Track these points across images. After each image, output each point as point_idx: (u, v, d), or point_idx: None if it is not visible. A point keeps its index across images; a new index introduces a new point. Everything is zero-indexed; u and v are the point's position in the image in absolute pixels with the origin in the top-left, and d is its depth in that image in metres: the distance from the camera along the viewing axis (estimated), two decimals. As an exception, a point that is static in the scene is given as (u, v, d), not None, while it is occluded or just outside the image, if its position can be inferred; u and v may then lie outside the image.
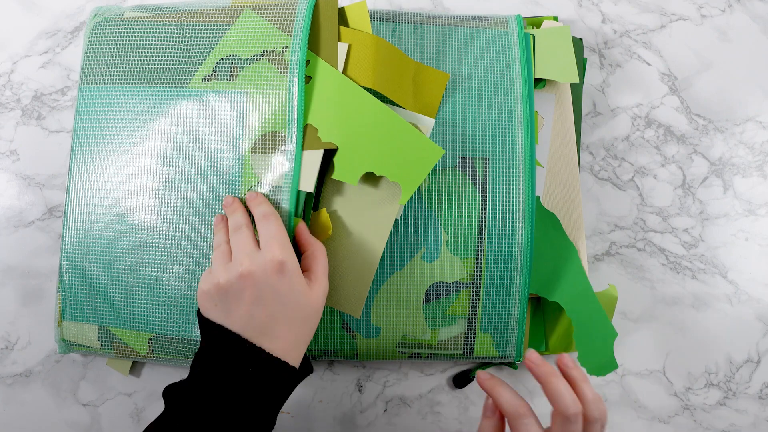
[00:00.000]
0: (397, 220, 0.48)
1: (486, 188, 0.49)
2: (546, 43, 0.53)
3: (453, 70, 0.50)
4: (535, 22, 0.56)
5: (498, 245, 0.48)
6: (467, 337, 0.49)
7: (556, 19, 0.57)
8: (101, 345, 0.49)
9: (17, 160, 0.56)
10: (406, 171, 0.44)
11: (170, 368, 0.54)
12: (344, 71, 0.46)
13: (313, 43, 0.47)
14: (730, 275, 0.57)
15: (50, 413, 0.53)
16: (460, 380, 0.54)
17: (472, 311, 0.49)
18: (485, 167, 0.49)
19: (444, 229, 0.48)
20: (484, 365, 0.54)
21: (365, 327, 0.49)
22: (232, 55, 0.47)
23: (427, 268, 0.48)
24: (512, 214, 0.48)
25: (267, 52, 0.46)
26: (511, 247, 0.48)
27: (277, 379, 0.38)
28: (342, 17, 0.48)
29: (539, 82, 0.53)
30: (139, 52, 0.48)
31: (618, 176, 0.58)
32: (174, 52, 0.48)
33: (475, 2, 0.59)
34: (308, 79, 0.46)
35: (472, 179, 0.49)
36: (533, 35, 0.52)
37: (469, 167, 0.49)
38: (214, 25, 0.48)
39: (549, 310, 0.53)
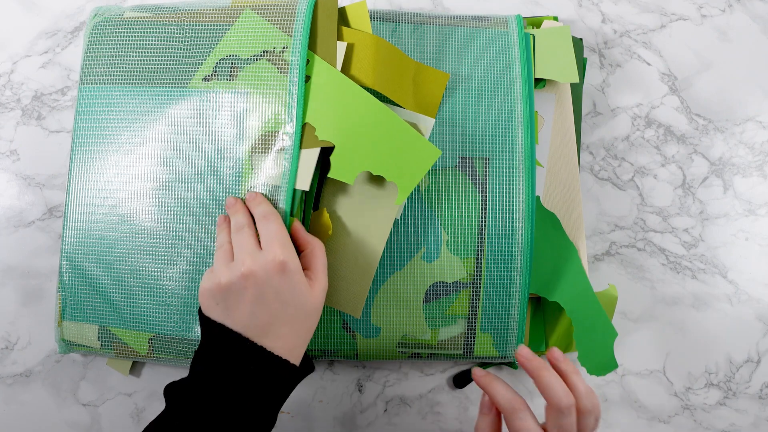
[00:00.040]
0: (397, 220, 0.48)
1: (486, 188, 0.49)
2: (546, 43, 0.53)
3: (453, 70, 0.50)
4: (535, 22, 0.56)
5: (498, 245, 0.48)
6: (467, 337, 0.49)
7: (556, 19, 0.57)
8: (101, 345, 0.49)
9: (17, 160, 0.56)
10: (403, 171, 0.44)
11: (170, 368, 0.54)
12: (344, 71, 0.46)
13: (313, 43, 0.47)
14: (730, 275, 0.57)
15: (50, 413, 0.53)
16: (460, 380, 0.54)
17: (472, 311, 0.49)
18: (485, 167, 0.49)
19: (444, 229, 0.48)
20: (484, 365, 0.54)
21: (365, 327, 0.49)
22: (232, 55, 0.47)
23: (427, 268, 0.48)
24: (512, 214, 0.48)
25: (267, 52, 0.46)
26: (511, 247, 0.48)
27: (278, 377, 0.38)
28: (342, 17, 0.48)
29: (539, 82, 0.53)
30: (139, 52, 0.48)
31: (618, 176, 0.58)
32: (174, 52, 0.48)
33: (475, 2, 0.59)
34: (307, 78, 0.46)
35: (472, 179, 0.49)
36: (533, 35, 0.52)
37: (469, 167, 0.49)
38: (214, 25, 0.48)
39: (549, 310, 0.53)
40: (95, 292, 0.48)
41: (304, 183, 0.45)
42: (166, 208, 0.47)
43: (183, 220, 0.47)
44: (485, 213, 0.48)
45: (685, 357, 0.56)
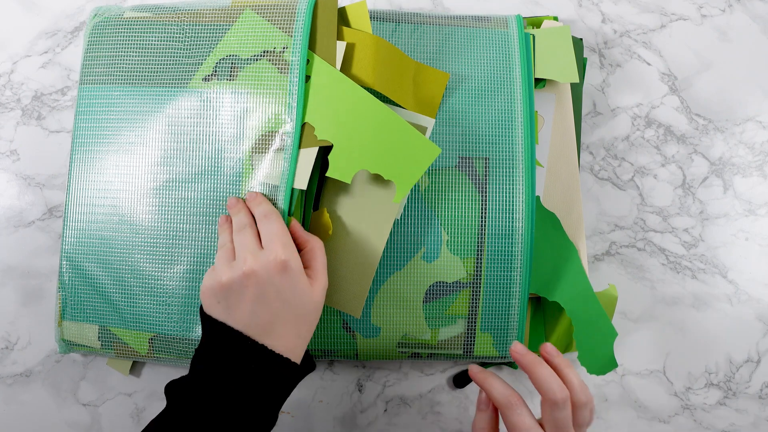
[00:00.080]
0: (397, 220, 0.48)
1: (486, 188, 0.49)
2: (546, 43, 0.53)
3: (453, 70, 0.50)
4: (535, 22, 0.56)
5: (498, 245, 0.48)
6: (467, 337, 0.49)
7: (556, 19, 0.57)
8: (101, 345, 0.49)
9: (17, 160, 0.56)
10: (401, 169, 0.44)
11: (171, 368, 0.54)
12: (344, 71, 0.46)
13: (313, 43, 0.46)
14: (730, 275, 0.57)
15: (50, 413, 0.53)
16: (460, 380, 0.54)
17: (472, 311, 0.49)
18: (485, 167, 0.49)
19: (444, 228, 0.48)
20: (484, 365, 0.54)
21: (365, 327, 0.49)
22: (232, 55, 0.47)
23: (427, 268, 0.48)
24: (512, 214, 0.48)
25: (267, 52, 0.46)
26: (511, 247, 0.48)
27: (279, 376, 0.39)
28: (342, 17, 0.48)
29: (539, 82, 0.53)
30: (139, 52, 0.48)
31: (618, 176, 0.58)
32: (174, 52, 0.48)
33: (475, 2, 0.59)
34: (307, 78, 0.46)
35: (472, 179, 0.49)
36: (533, 35, 0.52)
37: (469, 167, 0.49)
38: (214, 25, 0.48)
39: (549, 310, 0.53)
40: (95, 292, 0.48)
41: (301, 182, 0.45)
42: (166, 208, 0.47)
43: (183, 220, 0.47)
44: (485, 213, 0.48)
45: (685, 357, 0.56)
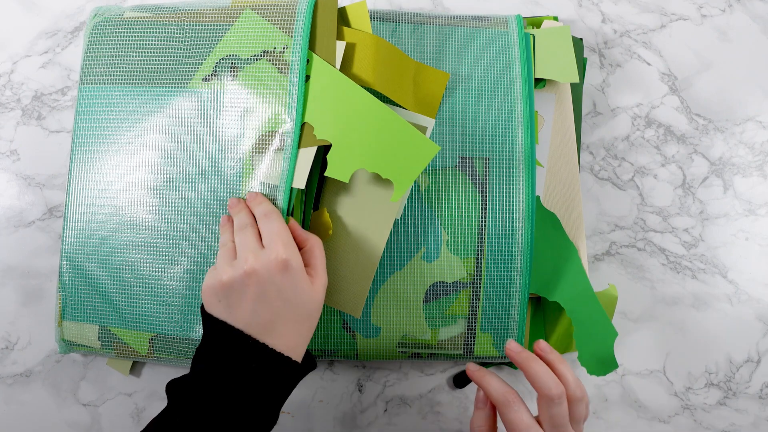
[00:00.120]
0: (397, 219, 0.48)
1: (486, 188, 0.49)
2: (546, 43, 0.53)
3: (453, 70, 0.50)
4: (535, 22, 0.56)
5: (498, 245, 0.48)
6: (467, 337, 0.49)
7: (556, 19, 0.57)
8: (102, 345, 0.49)
9: (17, 160, 0.56)
10: (399, 168, 0.44)
11: (171, 368, 0.54)
12: (344, 71, 0.46)
13: (313, 43, 0.46)
14: (730, 275, 0.57)
15: (50, 413, 0.53)
16: (460, 380, 0.54)
17: (472, 311, 0.49)
18: (485, 167, 0.49)
19: (444, 228, 0.48)
20: (484, 365, 0.54)
21: (365, 327, 0.49)
22: (232, 55, 0.47)
23: (427, 268, 0.48)
24: (512, 214, 0.48)
25: (267, 52, 0.46)
26: (511, 247, 0.48)
27: (280, 374, 0.39)
28: (342, 17, 0.48)
29: (539, 82, 0.53)
30: (139, 52, 0.48)
31: (618, 176, 0.58)
32: (174, 52, 0.48)
33: (475, 2, 0.59)
34: (306, 78, 0.46)
35: (472, 179, 0.49)
36: (533, 35, 0.52)
37: (469, 167, 0.49)
38: (214, 25, 0.48)
39: (549, 310, 0.53)
40: (95, 292, 0.48)
41: (300, 181, 0.45)
42: (166, 208, 0.47)
43: (183, 220, 0.47)
44: (485, 213, 0.48)
45: (685, 357, 0.56)
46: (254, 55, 0.46)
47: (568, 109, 0.54)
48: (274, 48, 0.46)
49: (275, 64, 0.46)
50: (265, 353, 0.38)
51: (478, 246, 0.48)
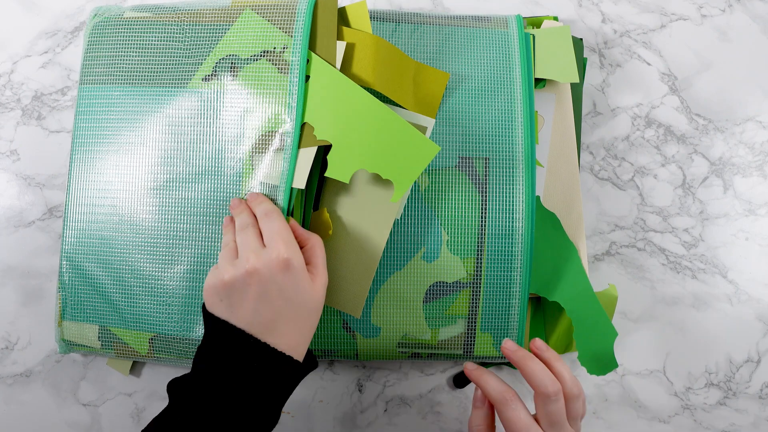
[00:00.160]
0: (397, 219, 0.48)
1: (486, 188, 0.49)
2: (546, 43, 0.53)
3: (453, 70, 0.50)
4: (535, 22, 0.56)
5: (498, 245, 0.48)
6: (467, 337, 0.49)
7: (556, 19, 0.57)
8: (102, 345, 0.49)
9: (17, 160, 0.56)
10: (400, 168, 0.44)
11: (171, 368, 0.54)
12: (344, 71, 0.46)
13: (313, 43, 0.47)
14: (730, 275, 0.57)
15: (50, 413, 0.53)
16: (460, 380, 0.54)
17: (472, 311, 0.49)
18: (485, 167, 0.49)
19: (444, 228, 0.48)
20: (484, 365, 0.54)
21: (365, 327, 0.49)
22: (232, 55, 0.47)
23: (427, 268, 0.48)
24: (512, 214, 0.48)
25: (267, 52, 0.46)
26: (511, 247, 0.48)
27: (282, 374, 0.39)
28: (342, 17, 0.48)
29: (539, 82, 0.53)
30: (139, 52, 0.48)
31: (618, 176, 0.58)
32: (174, 52, 0.48)
33: (475, 2, 0.59)
34: (306, 78, 0.46)
35: (472, 179, 0.49)
36: (533, 35, 0.52)
37: (469, 167, 0.49)
38: (214, 25, 0.48)
39: (549, 310, 0.53)
40: (95, 292, 0.48)
41: (300, 181, 0.45)
42: (166, 208, 0.47)
43: (183, 220, 0.47)
44: (485, 213, 0.48)
45: (685, 357, 0.56)
46: (254, 55, 0.46)
47: (568, 109, 0.54)
48: (274, 48, 0.46)
49: (275, 64, 0.46)
50: (266, 353, 0.38)
51: (478, 246, 0.48)
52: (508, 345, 0.41)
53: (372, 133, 0.44)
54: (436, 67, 0.50)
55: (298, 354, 0.40)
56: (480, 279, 0.48)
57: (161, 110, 0.47)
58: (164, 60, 0.48)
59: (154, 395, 0.54)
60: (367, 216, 0.47)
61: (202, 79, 0.47)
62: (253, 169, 0.46)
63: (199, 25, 0.48)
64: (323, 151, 0.47)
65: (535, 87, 0.53)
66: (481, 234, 0.48)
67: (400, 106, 0.47)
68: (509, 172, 0.49)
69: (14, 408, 0.54)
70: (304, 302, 0.40)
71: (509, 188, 0.49)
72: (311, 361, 0.42)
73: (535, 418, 0.39)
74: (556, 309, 0.52)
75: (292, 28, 0.46)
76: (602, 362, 0.49)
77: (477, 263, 0.48)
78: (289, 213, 0.45)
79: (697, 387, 0.55)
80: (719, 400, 0.55)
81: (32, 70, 0.57)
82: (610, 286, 0.52)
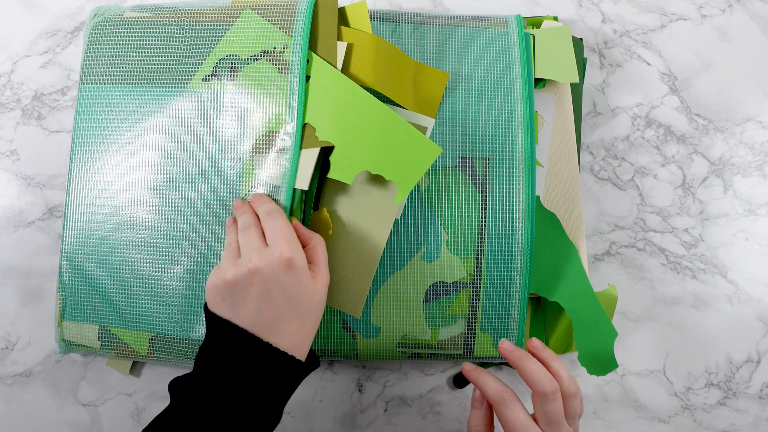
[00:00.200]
0: (397, 220, 0.48)
1: (486, 188, 0.49)
2: (546, 43, 0.53)
3: (453, 70, 0.50)
4: (535, 22, 0.56)
5: (498, 245, 0.48)
6: (467, 337, 0.49)
7: (556, 19, 0.57)
8: (101, 345, 0.49)
9: (17, 160, 0.56)
10: (402, 169, 0.44)
11: (171, 368, 0.54)
12: (344, 71, 0.46)
13: (313, 43, 0.47)
14: (730, 275, 0.57)
15: (50, 413, 0.53)
16: (460, 380, 0.54)
17: (472, 311, 0.49)
18: (485, 167, 0.49)
19: (444, 229, 0.48)
20: (484, 365, 0.54)
21: (365, 327, 0.49)
22: (232, 55, 0.47)
23: (427, 268, 0.48)
24: (512, 214, 0.48)
25: (267, 51, 0.46)
26: (511, 247, 0.48)
27: (284, 373, 0.39)
28: (342, 17, 0.48)
29: (539, 82, 0.53)
30: (139, 52, 0.48)
31: (618, 176, 0.58)
32: (174, 52, 0.48)
33: (475, 2, 0.59)
34: (307, 78, 0.46)
35: (472, 179, 0.49)
36: (533, 35, 0.52)
37: (469, 167, 0.49)
38: (214, 25, 0.48)
39: (549, 310, 0.53)
40: (95, 292, 0.48)
41: (303, 182, 0.45)
42: (166, 209, 0.47)
43: (183, 220, 0.47)
44: (485, 213, 0.48)
45: (685, 357, 0.56)
46: (254, 55, 0.46)
47: (568, 109, 0.54)
48: (274, 48, 0.46)
49: (275, 64, 0.46)
50: (269, 352, 0.38)
51: (478, 246, 0.48)
52: (505, 345, 0.41)
53: (374, 135, 0.44)
54: (436, 67, 0.50)
55: (301, 353, 0.40)
56: (480, 279, 0.48)
57: (161, 110, 0.47)
58: (164, 60, 0.48)
59: (154, 395, 0.54)
60: (367, 216, 0.47)
61: (202, 79, 0.47)
62: (253, 169, 0.46)
63: (199, 25, 0.48)
64: (324, 151, 0.47)
65: (535, 87, 0.53)
66: (481, 234, 0.48)
67: (401, 106, 0.47)
68: (509, 172, 0.49)
69: (14, 408, 0.54)
70: (306, 302, 0.40)
71: (509, 188, 0.49)
72: (313, 361, 0.42)
73: (534, 417, 0.39)
74: (556, 309, 0.52)
75: (292, 28, 0.46)
76: (602, 362, 0.49)
77: (477, 263, 0.48)
78: (291, 213, 0.45)
79: (697, 387, 0.55)
80: (719, 400, 0.55)
81: (32, 70, 0.57)
82: (610, 286, 0.52)
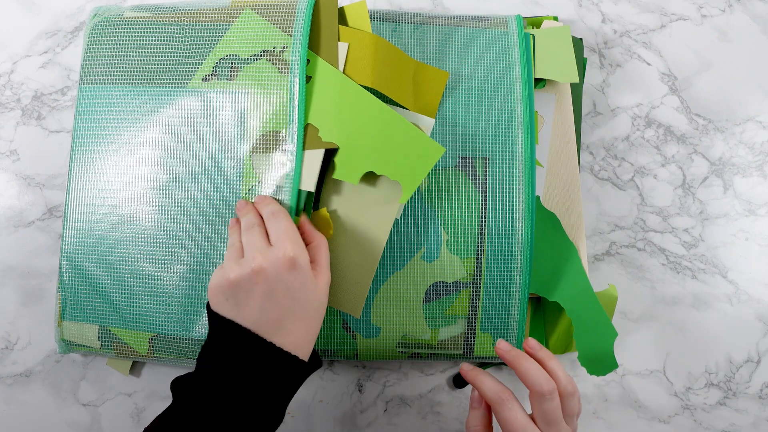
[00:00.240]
0: (397, 219, 0.48)
1: (486, 188, 0.49)
2: (546, 43, 0.53)
3: (453, 69, 0.50)
4: (535, 22, 0.56)
5: (498, 245, 0.48)
6: (467, 337, 0.49)
7: (556, 19, 0.57)
8: (101, 345, 0.49)
9: (17, 160, 0.56)
10: (406, 170, 0.44)
11: (171, 368, 0.54)
12: (344, 70, 0.46)
13: (313, 43, 0.47)
14: (730, 275, 0.57)
15: (50, 413, 0.53)
16: (460, 380, 0.54)
17: (472, 311, 0.49)
18: (485, 167, 0.49)
19: (444, 228, 0.48)
20: (484, 365, 0.54)
21: (365, 327, 0.49)
22: (232, 55, 0.47)
23: (427, 268, 0.48)
24: (512, 214, 0.48)
25: (267, 51, 0.46)
26: (511, 247, 0.48)
27: (288, 373, 0.39)
28: (342, 17, 0.48)
29: (539, 82, 0.53)
30: (139, 52, 0.48)
31: (618, 176, 0.58)
32: (174, 52, 0.48)
33: (475, 2, 0.59)
34: (308, 79, 0.46)
35: (472, 179, 0.49)
36: (533, 35, 0.52)
37: (469, 167, 0.49)
38: (214, 25, 0.48)
39: (549, 310, 0.53)
40: (95, 292, 0.48)
41: (309, 184, 0.45)
42: (166, 208, 0.47)
43: (183, 220, 0.47)
44: (485, 213, 0.48)
45: (685, 357, 0.56)
46: (254, 55, 0.46)
47: (568, 109, 0.54)
48: (274, 48, 0.46)
49: (275, 64, 0.46)
50: (272, 352, 0.38)
51: (478, 246, 0.48)
52: (502, 345, 0.41)
53: (378, 136, 0.45)
54: (436, 67, 0.50)
55: (304, 353, 0.40)
56: (480, 279, 0.48)
57: (161, 110, 0.47)
58: (164, 60, 0.48)
59: (154, 395, 0.54)
60: (367, 216, 0.47)
61: (202, 79, 0.47)
62: (253, 169, 0.46)
63: (198, 25, 0.48)
64: (326, 152, 0.47)
65: (535, 87, 0.53)
66: (481, 234, 0.48)
67: (401, 106, 0.47)
68: (509, 172, 0.49)
69: (14, 408, 0.54)
70: (310, 301, 0.40)
71: (509, 188, 0.48)
72: (316, 361, 0.43)
73: (532, 417, 0.39)
74: (556, 309, 0.52)
75: (292, 28, 0.46)
76: (602, 362, 0.49)
77: (477, 263, 0.48)
78: (297, 214, 0.45)
79: (697, 387, 0.55)
80: (719, 400, 0.55)
81: (32, 70, 0.57)
82: (610, 286, 0.52)
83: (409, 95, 0.48)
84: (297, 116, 0.45)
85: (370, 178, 0.47)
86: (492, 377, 0.40)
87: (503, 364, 0.54)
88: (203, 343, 0.41)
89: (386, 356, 0.50)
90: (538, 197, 0.52)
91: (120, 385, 0.54)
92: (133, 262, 0.47)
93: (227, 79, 0.47)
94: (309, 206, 0.47)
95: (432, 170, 0.49)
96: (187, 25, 0.48)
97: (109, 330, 0.48)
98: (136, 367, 0.54)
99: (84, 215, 0.48)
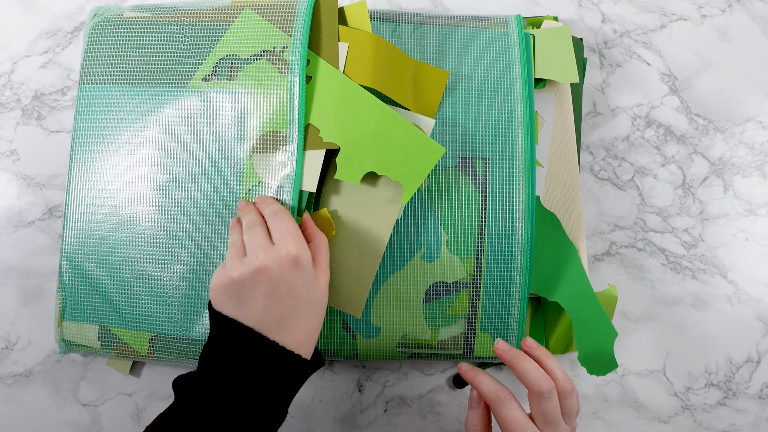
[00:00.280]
0: (397, 219, 0.48)
1: (486, 188, 0.49)
2: (546, 43, 0.53)
3: (453, 70, 0.50)
4: (535, 22, 0.56)
5: (498, 245, 0.48)
6: (467, 337, 0.49)
7: (556, 19, 0.57)
8: (101, 345, 0.49)
9: (17, 160, 0.56)
10: (407, 170, 0.45)
11: (171, 368, 0.54)
12: (344, 71, 0.46)
13: (314, 43, 0.47)
14: (730, 275, 0.57)
15: (50, 413, 0.53)
16: (460, 380, 0.54)
17: (472, 311, 0.49)
18: (485, 167, 0.49)
19: (444, 229, 0.48)
20: (484, 365, 0.54)
21: (365, 327, 0.49)
22: (232, 55, 0.47)
23: (427, 268, 0.48)
24: (512, 214, 0.48)
25: (267, 51, 0.46)
26: (511, 247, 0.48)
27: (290, 372, 0.39)
28: (342, 17, 0.48)
29: (539, 82, 0.53)
30: (138, 52, 0.48)
31: (618, 176, 0.58)
32: (174, 52, 0.48)
33: (475, 2, 0.59)
34: (309, 79, 0.46)
35: (472, 179, 0.49)
36: (533, 35, 0.52)
37: (469, 167, 0.49)
38: (213, 25, 0.48)
39: (549, 310, 0.53)
40: (95, 292, 0.48)
41: (310, 184, 0.45)
42: (166, 208, 0.47)
43: (183, 220, 0.47)
44: (485, 213, 0.48)
45: (685, 357, 0.56)
46: (254, 55, 0.46)
47: (568, 109, 0.54)
48: (274, 48, 0.46)
49: (275, 64, 0.46)
50: (275, 351, 0.38)
51: (478, 246, 0.48)
52: (500, 345, 0.42)
53: (379, 136, 0.45)
54: (436, 66, 0.50)
55: (306, 351, 0.40)
56: (480, 279, 0.48)
57: (161, 110, 0.47)
58: (164, 60, 0.48)
59: (154, 395, 0.54)
60: (369, 216, 0.47)
61: (202, 79, 0.47)
62: (254, 169, 0.46)
63: (198, 25, 0.48)
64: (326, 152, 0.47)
65: (535, 87, 0.53)
66: (481, 234, 0.48)
67: (401, 106, 0.47)
68: (509, 172, 0.49)
69: (14, 408, 0.54)
70: (312, 299, 0.40)
71: (509, 188, 0.48)
72: (318, 359, 0.43)
73: (531, 416, 0.39)
74: (556, 309, 0.52)
75: (292, 28, 0.46)
76: (602, 362, 0.49)
77: (477, 263, 0.48)
78: (299, 214, 0.45)
79: (697, 387, 0.55)
80: (719, 400, 0.55)
81: (32, 70, 0.57)
82: (610, 286, 0.52)
83: (409, 95, 0.48)
84: (297, 116, 0.45)
85: (370, 178, 0.47)
86: (491, 377, 0.41)
87: (503, 364, 0.54)
88: (203, 343, 0.41)
89: (386, 356, 0.50)
90: (538, 197, 0.52)
91: (120, 385, 0.54)
92: (133, 262, 0.47)
93: (227, 79, 0.47)
94: (309, 207, 0.47)
95: (432, 170, 0.49)
96: (186, 25, 0.48)
97: (109, 330, 0.48)
98: (136, 367, 0.54)
99: (84, 215, 0.48)
